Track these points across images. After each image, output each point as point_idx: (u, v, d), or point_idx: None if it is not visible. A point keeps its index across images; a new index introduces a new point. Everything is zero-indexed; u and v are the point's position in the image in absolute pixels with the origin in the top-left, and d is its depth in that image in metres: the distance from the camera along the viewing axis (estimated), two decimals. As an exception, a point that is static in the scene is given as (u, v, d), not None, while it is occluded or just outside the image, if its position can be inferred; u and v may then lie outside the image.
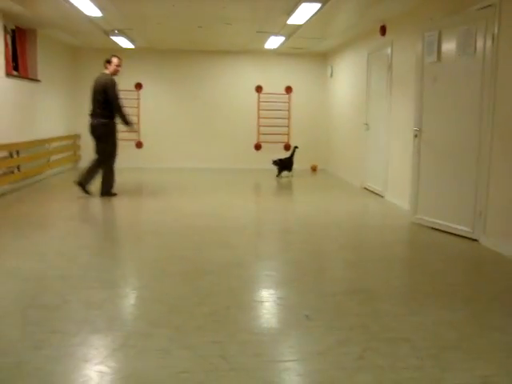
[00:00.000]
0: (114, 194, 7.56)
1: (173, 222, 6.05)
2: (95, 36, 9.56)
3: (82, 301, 3.42)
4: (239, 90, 11.98)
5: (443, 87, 5.57)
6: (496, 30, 4.92)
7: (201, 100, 11.94)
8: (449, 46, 5.47)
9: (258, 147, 12.17)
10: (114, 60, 7.40)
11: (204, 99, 11.95)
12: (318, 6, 6.52)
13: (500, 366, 2.60)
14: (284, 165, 10.42)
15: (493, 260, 4.61)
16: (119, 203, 7.23)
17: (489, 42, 5.01)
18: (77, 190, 7.33)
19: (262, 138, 12.14)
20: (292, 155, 10.60)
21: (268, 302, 3.48)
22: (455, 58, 5.40)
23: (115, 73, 7.43)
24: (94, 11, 7.10)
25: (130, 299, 3.51)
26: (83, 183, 7.32)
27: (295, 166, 10.64)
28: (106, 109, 7.20)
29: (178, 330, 2.97)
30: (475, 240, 5.20)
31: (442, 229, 5.62)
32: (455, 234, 5.44)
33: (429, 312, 3.31)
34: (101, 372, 2.46)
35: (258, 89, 12.00)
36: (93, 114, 7.29)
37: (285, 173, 10.45)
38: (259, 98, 12.02)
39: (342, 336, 2.90)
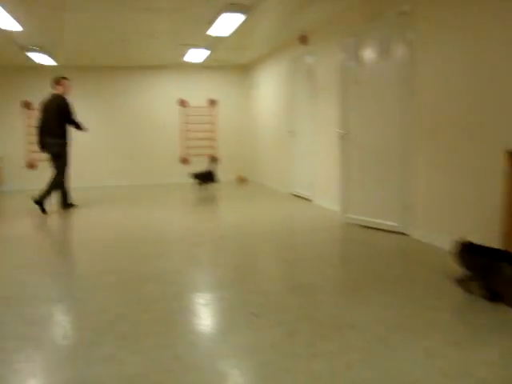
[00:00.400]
0: (72, 205, 8.10)
1: (105, 236, 5.93)
2: (11, 52, 9.22)
3: (21, 318, 3.28)
4: (163, 104, 11.94)
5: (365, 90, 5.85)
6: (410, 36, 5.25)
7: (125, 116, 11.79)
8: (368, 51, 5.75)
9: (184, 161, 12.14)
10: (66, 82, 7.75)
11: (128, 115, 11.81)
12: (239, 15, 6.65)
13: (438, 339, 2.76)
14: (204, 177, 10.07)
15: (422, 250, 4.87)
16: (47, 221, 6.99)
17: (404, 47, 5.33)
18: None
19: (188, 151, 12.13)
20: (213, 166, 10.30)
21: (213, 304, 3.50)
22: (374, 63, 5.69)
23: (66, 93, 7.78)
24: (13, 25, 6.86)
25: (71, 312, 3.41)
26: (40, 201, 7.50)
27: (220, 176, 10.64)
28: (62, 127, 7.57)
29: (125, 337, 2.93)
30: (404, 234, 5.47)
31: (373, 226, 5.86)
32: (385, 230, 5.69)
33: (368, 300, 3.46)
34: None
35: (182, 102, 12.01)
36: (48, 133, 7.53)
37: (211, 185, 10.41)
38: (184, 111, 12.03)
39: (290, 328, 2.98)
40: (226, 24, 7.14)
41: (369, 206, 5.90)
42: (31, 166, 11.25)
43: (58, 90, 7.66)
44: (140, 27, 7.61)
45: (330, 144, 7.31)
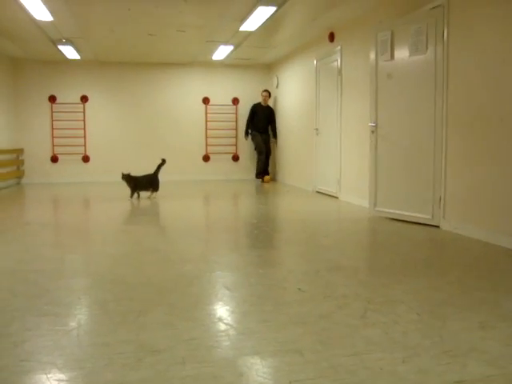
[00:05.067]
0: (261, 177, 11.57)
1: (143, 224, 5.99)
2: (40, 44, 9.35)
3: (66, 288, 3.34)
4: (187, 101, 12.02)
5: (397, 84, 5.86)
6: (445, 29, 5.26)
7: (149, 112, 11.88)
8: (401, 45, 5.77)
9: (206, 159, 12.21)
10: (263, 94, 11.63)
11: (152, 112, 11.89)
12: (272, 9, 6.68)
13: (489, 315, 2.77)
14: (137, 183, 8.12)
15: (456, 240, 4.87)
16: (67, 211, 7.07)
17: (439, 41, 5.34)
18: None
19: (210, 149, 12.20)
20: (157, 171, 8.30)
21: (259, 281, 3.51)
22: (408, 56, 5.71)
23: (263, 102, 11.68)
24: (44, 15, 6.97)
25: (112, 286, 3.46)
26: (260, 173, 11.59)
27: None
28: (250, 125, 11.74)
29: (172, 306, 2.96)
30: (436, 226, 5.47)
31: (403, 219, 5.86)
32: (416, 223, 5.69)
33: (412, 281, 3.47)
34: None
35: (206, 100, 12.08)
36: None
37: (147, 193, 8.36)
38: (207, 109, 12.10)
39: (339, 302, 3.00)
40: (256, 17, 7.17)
41: (400, 198, 5.90)
42: (55, 159, 11.37)
43: (262, 100, 11.65)
44: (173, 19, 7.65)
45: (357, 140, 7.32)
